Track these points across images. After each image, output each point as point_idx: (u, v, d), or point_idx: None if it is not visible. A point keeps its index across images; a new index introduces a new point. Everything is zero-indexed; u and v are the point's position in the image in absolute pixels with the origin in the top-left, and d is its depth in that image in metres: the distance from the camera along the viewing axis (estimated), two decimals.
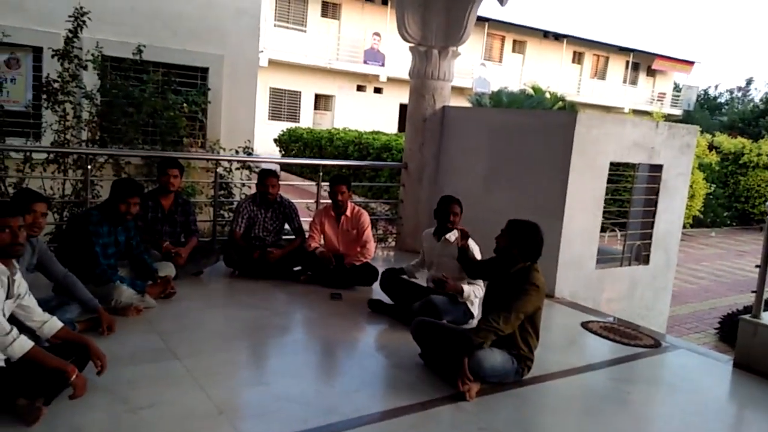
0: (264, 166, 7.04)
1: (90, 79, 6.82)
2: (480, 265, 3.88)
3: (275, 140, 19.11)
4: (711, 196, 17.10)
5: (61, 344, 2.88)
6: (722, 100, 44.08)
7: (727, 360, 4.10)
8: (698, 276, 11.61)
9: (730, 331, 7.33)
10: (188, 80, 8.52)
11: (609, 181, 5.55)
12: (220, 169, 6.57)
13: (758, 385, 3.72)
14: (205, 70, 8.78)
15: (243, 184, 7.46)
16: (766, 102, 31.88)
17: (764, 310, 3.98)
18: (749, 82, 45.66)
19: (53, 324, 2.88)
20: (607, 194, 5.57)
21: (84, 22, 6.30)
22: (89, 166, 5.42)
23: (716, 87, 63.69)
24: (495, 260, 3.56)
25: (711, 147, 19.02)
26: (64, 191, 6.29)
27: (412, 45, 6.40)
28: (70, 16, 6.29)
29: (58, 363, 2.62)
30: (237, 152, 7.55)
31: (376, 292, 4.78)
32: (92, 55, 6.62)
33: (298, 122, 22.69)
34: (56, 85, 6.27)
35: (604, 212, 5.62)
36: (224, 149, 8.03)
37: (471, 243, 4.08)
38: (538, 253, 3.36)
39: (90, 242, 3.88)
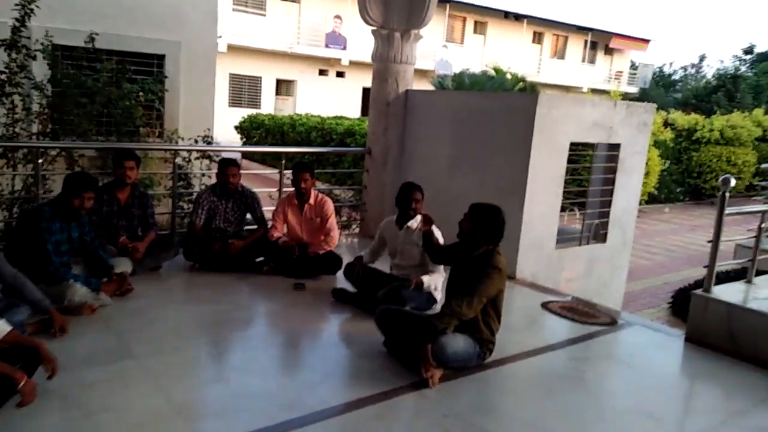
0: (224, 154, 6.91)
1: (40, 69, 6.55)
2: (444, 250, 3.90)
3: (236, 127, 18.81)
4: (665, 173, 17.56)
5: (9, 348, 2.78)
6: (676, 77, 45.22)
7: (679, 335, 4.25)
8: (652, 252, 11.96)
9: (682, 305, 7.57)
10: (144, 68, 8.27)
11: (569, 161, 5.62)
12: (178, 159, 6.42)
13: (708, 358, 3.86)
14: (162, 58, 8.54)
15: (203, 174, 7.32)
16: (718, 78, 32.80)
17: (715, 285, 4.13)
18: (702, 58, 46.99)
19: (1, 328, 2.77)
20: (567, 174, 5.65)
21: (32, 10, 6.04)
22: (40, 160, 5.22)
23: (671, 64, 65.34)
24: (458, 244, 3.58)
25: (666, 124, 19.48)
26: (13, 187, 6.06)
27: (374, 28, 6.34)
28: (16, 5, 6.01)
29: (6, 369, 2.53)
30: (196, 141, 7.39)
31: (340, 280, 4.77)
32: (42, 44, 6.36)
33: (260, 108, 22.37)
34: (3, 76, 6.00)
35: (564, 192, 5.71)
36: (182, 138, 7.85)
37: (433, 228, 4.10)
38: (500, 236, 3.40)
39: (42, 239, 3.75)
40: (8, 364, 2.58)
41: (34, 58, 6.27)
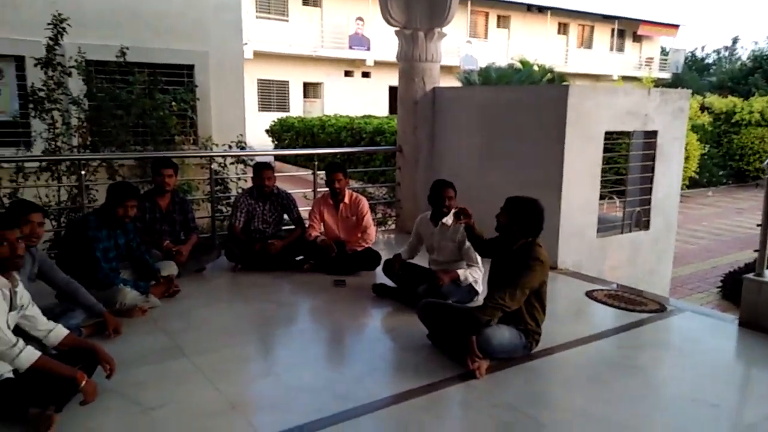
0: (259, 158, 7.02)
1: (76, 84, 6.74)
2: (487, 242, 3.86)
3: (267, 131, 19.05)
4: (705, 157, 17.12)
5: (69, 351, 2.88)
6: (710, 60, 43.99)
7: (732, 319, 4.12)
8: (698, 236, 11.66)
9: (732, 288, 7.36)
10: (175, 78, 8.45)
11: (605, 150, 5.53)
12: (214, 165, 6.54)
13: (765, 342, 3.74)
14: (191, 68, 8.70)
15: (239, 179, 7.44)
16: (754, 60, 31.76)
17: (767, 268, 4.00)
18: (735, 41, 45.66)
19: (59, 332, 2.88)
20: (603, 163, 5.56)
21: (64, 28, 6.22)
22: (83, 172, 5.38)
23: (703, 48, 63.71)
24: (498, 238, 3.55)
25: (703, 108, 18.99)
26: (59, 198, 6.26)
27: (397, 29, 6.34)
28: (49, 24, 6.20)
29: (67, 370, 2.62)
30: (230, 147, 7.51)
31: (380, 276, 4.78)
32: (75, 60, 6.55)
33: (288, 112, 22.62)
34: (42, 93, 6.20)
35: (602, 180, 5.61)
36: (217, 145, 7.98)
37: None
38: (539, 228, 3.34)
39: (90, 248, 3.86)
40: (68, 365, 2.66)
41: (70, 74, 6.46)
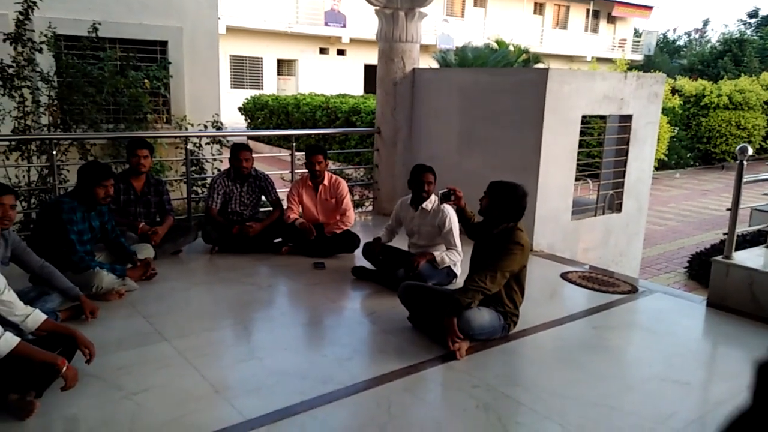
0: (236, 139, 6.93)
1: (46, 60, 6.54)
2: (475, 225, 3.87)
3: (240, 109, 18.74)
4: (674, 139, 17.47)
5: (47, 336, 2.84)
6: (681, 43, 44.62)
7: (700, 300, 4.27)
8: (666, 217, 11.95)
9: (699, 269, 7.60)
10: (148, 55, 8.25)
11: (581, 134, 5.60)
12: (189, 145, 6.44)
13: (732, 322, 3.89)
14: (164, 44, 8.52)
15: (214, 159, 7.34)
16: (724, 43, 32.28)
17: (734, 250, 4.13)
18: (706, 23, 46.32)
19: (36, 317, 2.83)
20: (579, 146, 5.64)
21: (35, 2, 5.99)
22: (54, 151, 5.25)
23: (674, 30, 64.48)
24: (483, 221, 3.59)
25: (674, 91, 19.33)
26: (30, 179, 6.11)
27: (377, 8, 6.28)
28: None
29: (47, 356, 2.58)
30: (205, 127, 7.39)
31: (359, 258, 4.80)
32: (45, 36, 6.33)
33: (262, 89, 22.27)
34: (11, 70, 6.00)
35: (577, 164, 5.70)
36: (192, 124, 7.84)
37: (447, 207, 4.12)
38: (520, 213, 3.37)
39: (65, 230, 3.79)
40: (47, 350, 2.63)
41: (40, 50, 6.25)
